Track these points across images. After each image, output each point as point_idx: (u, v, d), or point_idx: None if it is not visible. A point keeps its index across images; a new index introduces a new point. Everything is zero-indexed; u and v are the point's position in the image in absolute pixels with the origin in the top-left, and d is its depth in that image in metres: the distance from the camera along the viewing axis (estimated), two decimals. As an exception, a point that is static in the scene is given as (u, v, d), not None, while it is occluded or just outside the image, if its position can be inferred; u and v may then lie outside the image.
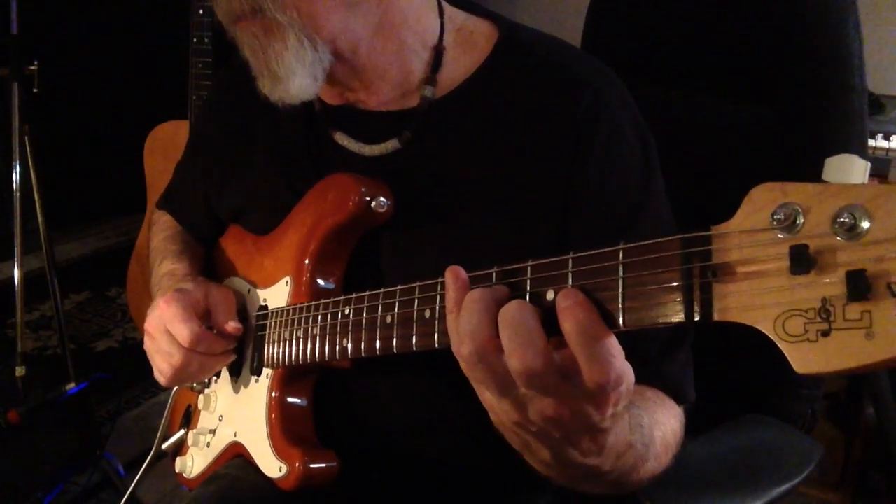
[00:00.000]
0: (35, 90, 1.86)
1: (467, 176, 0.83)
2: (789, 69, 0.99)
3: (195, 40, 1.89)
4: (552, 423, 0.54)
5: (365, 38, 0.81)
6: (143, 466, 1.00)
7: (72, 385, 1.88)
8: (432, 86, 0.84)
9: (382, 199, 0.82)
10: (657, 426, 0.70)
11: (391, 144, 0.85)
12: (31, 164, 1.88)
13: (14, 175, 1.89)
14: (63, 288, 2.00)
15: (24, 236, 1.93)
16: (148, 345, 0.92)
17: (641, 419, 0.65)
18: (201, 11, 1.88)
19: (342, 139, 0.88)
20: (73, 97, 3.24)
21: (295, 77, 0.78)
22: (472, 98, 0.84)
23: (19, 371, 1.92)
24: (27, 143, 1.87)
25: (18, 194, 1.90)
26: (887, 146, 1.76)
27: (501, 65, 0.85)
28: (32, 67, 1.85)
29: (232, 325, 0.90)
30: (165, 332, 0.87)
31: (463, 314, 0.54)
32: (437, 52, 0.85)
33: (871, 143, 1.75)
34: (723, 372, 0.99)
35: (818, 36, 0.96)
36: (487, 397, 0.57)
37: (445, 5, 0.88)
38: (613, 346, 0.51)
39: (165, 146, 2.10)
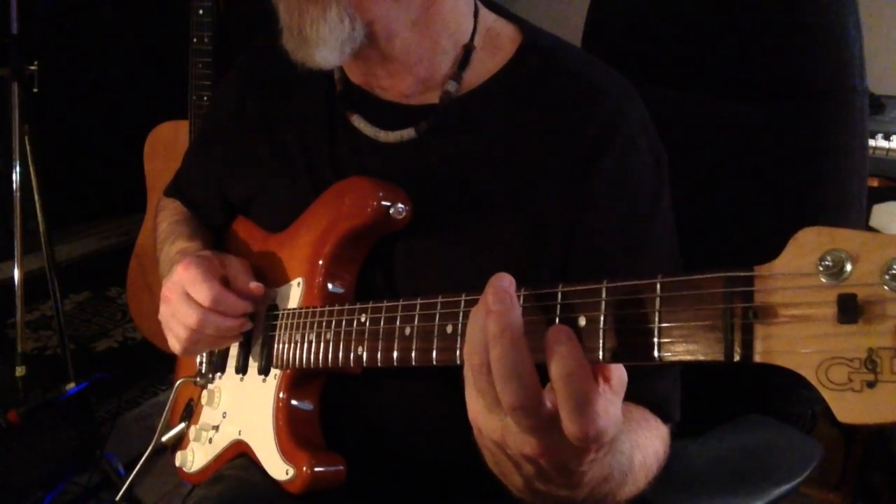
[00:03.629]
0: (35, 90, 1.86)
1: (480, 174, 0.83)
2: (790, 69, 0.99)
3: (195, 40, 1.89)
4: (528, 460, 0.54)
5: (402, 30, 0.81)
6: (143, 457, 1.00)
7: (72, 385, 1.88)
8: (457, 82, 0.85)
9: (401, 205, 0.81)
10: (638, 449, 0.69)
11: (407, 133, 0.85)
12: (31, 164, 1.88)
13: (14, 175, 1.90)
14: (63, 288, 2.00)
15: (24, 236, 1.93)
16: (163, 311, 0.90)
17: (622, 444, 0.64)
18: (201, 11, 1.88)
19: (358, 122, 0.88)
20: (73, 97, 3.24)
21: (324, 47, 0.78)
22: (492, 99, 0.84)
23: (19, 371, 1.93)
24: (27, 143, 1.87)
25: (18, 194, 1.91)
26: (887, 146, 1.76)
27: (523, 68, 0.85)
28: (32, 67, 1.85)
29: (254, 285, 0.88)
30: (184, 293, 0.86)
31: (474, 323, 0.53)
32: (467, 51, 0.85)
33: (871, 143, 1.75)
34: (723, 372, 0.99)
35: (818, 36, 0.96)
36: (478, 408, 0.56)
37: (479, 6, 0.88)
38: (600, 402, 0.49)
39: (165, 146, 2.10)
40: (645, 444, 0.71)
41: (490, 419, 0.55)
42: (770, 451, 0.95)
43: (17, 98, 1.84)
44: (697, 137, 1.06)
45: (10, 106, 1.85)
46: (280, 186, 0.94)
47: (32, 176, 1.89)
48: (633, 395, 0.71)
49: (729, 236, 1.01)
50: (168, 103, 2.12)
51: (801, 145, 0.99)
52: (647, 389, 0.77)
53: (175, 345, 0.91)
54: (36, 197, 1.91)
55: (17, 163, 1.88)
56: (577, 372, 0.49)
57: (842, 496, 1.85)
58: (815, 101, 0.97)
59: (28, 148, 1.87)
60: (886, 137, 1.78)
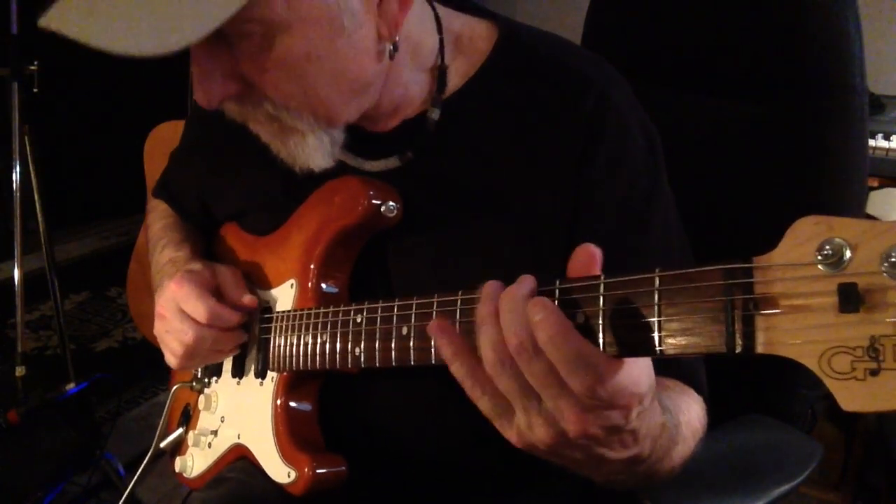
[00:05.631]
0: (35, 90, 1.86)
1: (471, 180, 0.81)
2: (789, 69, 0.99)
3: (195, 40, 1.89)
4: (584, 437, 0.54)
5: (374, 99, 0.81)
6: (143, 465, 0.99)
7: (72, 385, 1.88)
8: (438, 108, 0.83)
9: (392, 203, 0.81)
10: (681, 411, 0.69)
11: (392, 162, 0.84)
12: (31, 164, 1.88)
13: (14, 175, 1.89)
14: (63, 288, 2.00)
15: (24, 236, 1.93)
16: (158, 327, 0.91)
17: (666, 402, 0.65)
18: (201, 11, 1.87)
19: (342, 155, 0.86)
20: (73, 97, 3.24)
21: (315, 158, 0.80)
22: (472, 102, 0.82)
23: (19, 371, 1.93)
24: (27, 143, 1.87)
25: (18, 194, 1.90)
26: (887, 146, 1.76)
27: (502, 65, 0.83)
28: (32, 67, 1.85)
29: (248, 298, 0.89)
30: (178, 310, 0.87)
31: (481, 327, 0.54)
32: (441, 73, 0.83)
33: (872, 143, 1.75)
34: (723, 372, 1.00)
35: (818, 36, 0.96)
36: (512, 432, 0.56)
37: (442, 13, 0.85)
38: (600, 356, 0.50)
39: (165, 146, 2.08)
40: (686, 407, 0.72)
41: (534, 420, 0.54)
42: (770, 451, 0.95)
43: (17, 98, 1.84)
44: (697, 137, 1.06)
45: (10, 106, 1.85)
46: (262, 218, 0.94)
47: (32, 176, 1.89)
48: (661, 371, 0.71)
49: (729, 236, 1.01)
50: (168, 103, 2.12)
51: (801, 145, 0.98)
52: (674, 364, 0.77)
53: (171, 360, 0.91)
54: (36, 197, 1.91)
55: (17, 163, 1.88)
56: (560, 333, 0.49)
57: (842, 496, 1.85)
58: (815, 101, 0.97)
59: (28, 148, 1.87)
60: (886, 137, 1.78)
